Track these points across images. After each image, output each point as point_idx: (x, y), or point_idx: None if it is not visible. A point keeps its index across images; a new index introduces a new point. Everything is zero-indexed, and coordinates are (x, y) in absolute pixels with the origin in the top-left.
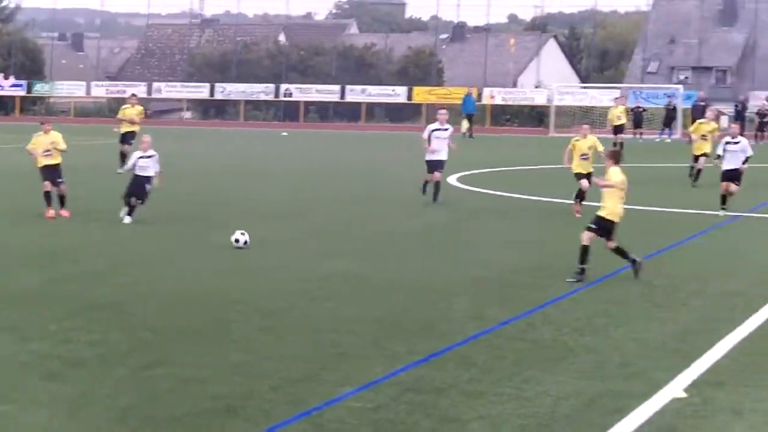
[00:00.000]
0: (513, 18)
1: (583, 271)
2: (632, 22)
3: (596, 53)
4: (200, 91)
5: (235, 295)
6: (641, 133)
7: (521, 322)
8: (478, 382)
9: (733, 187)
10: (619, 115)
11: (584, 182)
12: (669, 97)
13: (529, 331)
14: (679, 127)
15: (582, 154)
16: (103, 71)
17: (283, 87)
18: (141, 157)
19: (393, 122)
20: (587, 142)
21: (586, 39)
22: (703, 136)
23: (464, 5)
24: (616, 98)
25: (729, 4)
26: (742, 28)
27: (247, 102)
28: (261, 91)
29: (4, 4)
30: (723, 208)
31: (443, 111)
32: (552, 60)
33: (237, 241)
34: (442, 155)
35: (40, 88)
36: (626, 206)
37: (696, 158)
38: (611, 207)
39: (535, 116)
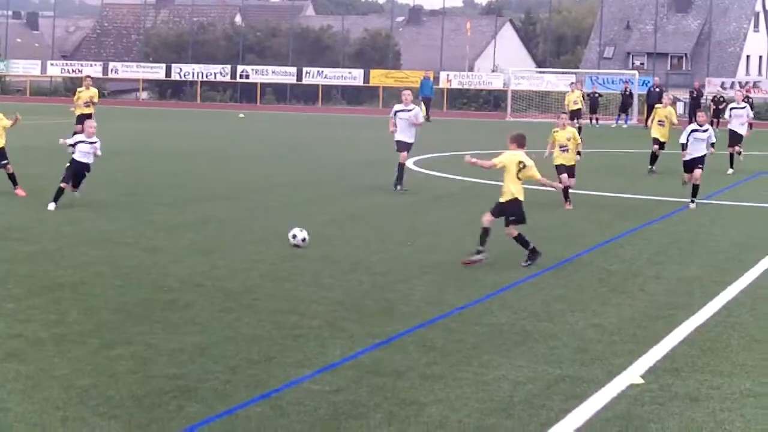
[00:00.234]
0: (469, 2)
1: (534, 252)
2: (588, 8)
3: (552, 38)
4: (156, 71)
5: (195, 276)
6: (597, 119)
7: (479, 306)
8: (437, 365)
9: (697, 172)
10: (575, 100)
11: (564, 178)
12: (625, 82)
13: (487, 316)
14: (635, 113)
15: (561, 146)
16: (59, 50)
17: (240, 68)
18: (83, 142)
19: (350, 105)
20: (566, 133)
21: (542, 24)
22: (660, 121)
23: None
24: (572, 83)
25: None
26: (697, 15)
27: (204, 83)
28: (218, 72)
29: None
30: (693, 200)
31: (407, 91)
32: (508, 44)
33: (294, 236)
34: (407, 136)
35: None
36: (585, 192)
37: (656, 141)
38: (504, 187)
39: (492, 100)
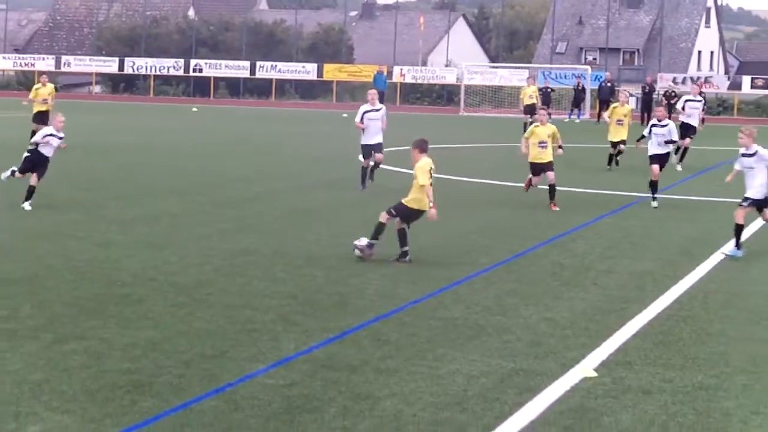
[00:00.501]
0: None
1: (404, 254)
2: (541, 3)
3: (505, 33)
4: (109, 65)
5: (148, 270)
6: (549, 113)
7: (433, 300)
8: (391, 359)
9: (655, 167)
10: (531, 95)
11: (550, 174)
12: (577, 77)
13: (440, 310)
14: (587, 108)
15: (540, 142)
16: (10, 44)
17: (193, 62)
18: (53, 135)
19: (304, 99)
20: (546, 129)
21: (495, 19)
22: (619, 120)
23: None
24: (528, 78)
25: None
26: (649, 10)
27: (157, 77)
28: (171, 66)
29: None
30: (654, 197)
31: (373, 91)
32: (461, 39)
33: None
34: (378, 137)
35: None
36: (538, 186)
37: (614, 145)
38: (412, 195)
39: (445, 95)
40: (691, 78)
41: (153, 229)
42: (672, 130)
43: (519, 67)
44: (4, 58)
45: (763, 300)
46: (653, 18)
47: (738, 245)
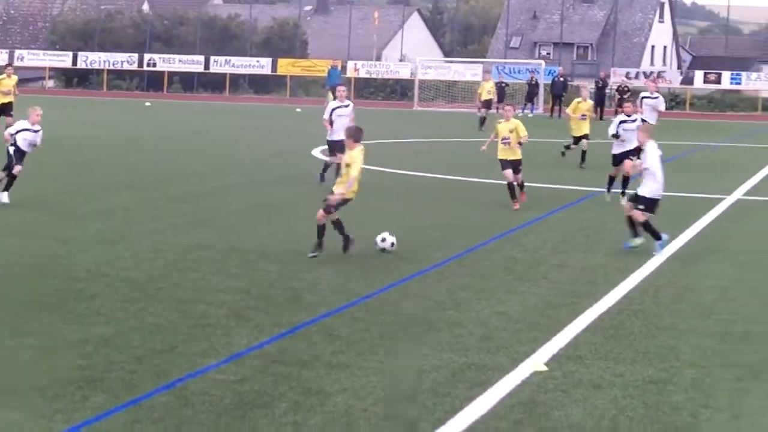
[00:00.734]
0: None
1: (347, 240)
2: None
3: (459, 28)
4: (63, 59)
5: (101, 266)
6: (513, 107)
7: (385, 295)
8: (343, 354)
9: (628, 162)
10: (489, 90)
11: (508, 173)
12: (531, 72)
13: (392, 305)
14: (541, 103)
15: (503, 138)
16: None
17: (147, 57)
18: (27, 130)
19: (258, 94)
20: (509, 125)
21: (450, 13)
22: (583, 115)
23: None
24: (486, 72)
25: None
26: (603, 5)
27: (110, 71)
28: (124, 60)
29: None
30: (623, 192)
31: (341, 87)
32: (416, 34)
33: (384, 240)
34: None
35: None
36: (490, 180)
37: (577, 140)
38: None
39: (399, 89)
40: (644, 73)
41: (107, 225)
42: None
43: (473, 62)
44: None
45: (713, 294)
46: (607, 13)
47: (658, 236)
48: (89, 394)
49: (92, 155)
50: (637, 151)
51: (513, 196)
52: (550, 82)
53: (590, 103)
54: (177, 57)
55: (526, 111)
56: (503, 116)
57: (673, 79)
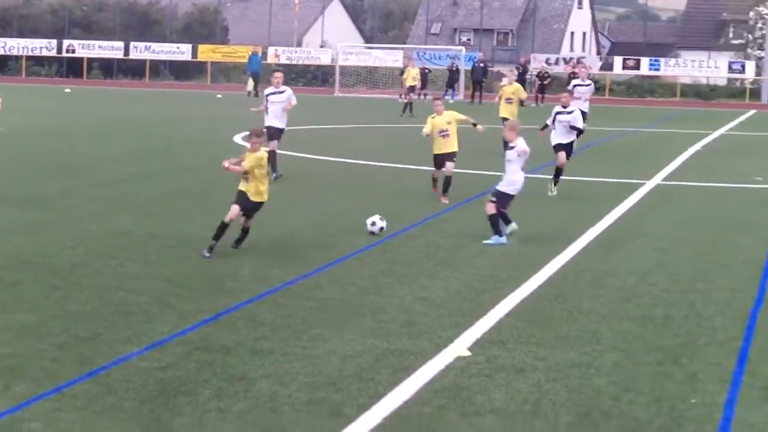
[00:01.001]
0: None
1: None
2: None
3: (380, 14)
4: None
5: (21, 253)
6: (425, 94)
7: (308, 281)
8: (266, 340)
9: (561, 155)
10: (414, 76)
11: (448, 164)
12: (452, 58)
13: (315, 290)
14: (461, 89)
15: (440, 131)
16: None
17: (66, 43)
18: None
19: (178, 80)
20: (444, 117)
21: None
22: (508, 99)
23: None
24: (412, 59)
25: None
26: None
27: (29, 57)
28: (43, 46)
29: None
30: (556, 183)
31: (278, 73)
32: (336, 20)
33: (374, 224)
34: (279, 121)
35: None
36: (412, 166)
37: (504, 121)
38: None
39: (320, 76)
40: (564, 59)
41: (27, 212)
42: (577, 117)
43: (394, 48)
44: None
45: (633, 278)
46: None
47: (500, 233)
48: (11, 383)
49: (11, 142)
50: (572, 144)
51: (445, 188)
52: (470, 68)
53: (517, 86)
54: (96, 43)
55: (447, 97)
56: (435, 111)
57: (593, 65)
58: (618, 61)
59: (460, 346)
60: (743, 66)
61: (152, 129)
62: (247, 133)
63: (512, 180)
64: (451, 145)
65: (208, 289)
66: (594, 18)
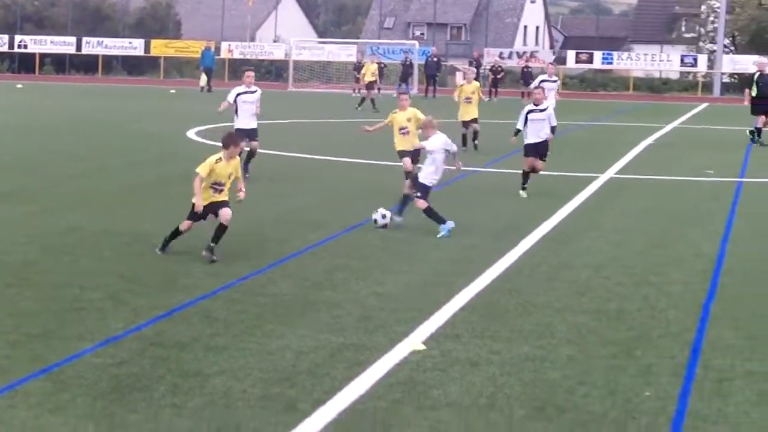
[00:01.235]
0: None
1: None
2: None
3: (333, 8)
4: None
5: None
6: (379, 88)
7: (262, 276)
8: (220, 336)
9: (540, 164)
10: (373, 72)
11: (407, 161)
12: (405, 53)
13: (269, 286)
14: (415, 83)
15: (400, 128)
16: None
17: (18, 38)
18: None
19: (131, 75)
20: (406, 114)
21: None
22: (467, 98)
23: None
24: (370, 55)
25: None
26: None
27: None
28: None
29: None
30: (524, 188)
31: (250, 72)
32: (289, 14)
33: (384, 216)
34: (253, 122)
35: None
36: (367, 161)
37: (466, 124)
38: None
39: (274, 70)
40: (517, 53)
41: None
42: (552, 115)
43: (347, 43)
44: None
45: (588, 272)
46: None
47: (443, 220)
48: None
49: None
50: (547, 148)
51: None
52: (424, 62)
53: (475, 84)
54: (48, 38)
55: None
56: (399, 106)
57: (546, 59)
58: (571, 55)
59: (415, 341)
60: (695, 59)
61: (106, 124)
62: (222, 135)
63: (428, 172)
64: (412, 142)
65: (162, 286)
66: (547, 12)
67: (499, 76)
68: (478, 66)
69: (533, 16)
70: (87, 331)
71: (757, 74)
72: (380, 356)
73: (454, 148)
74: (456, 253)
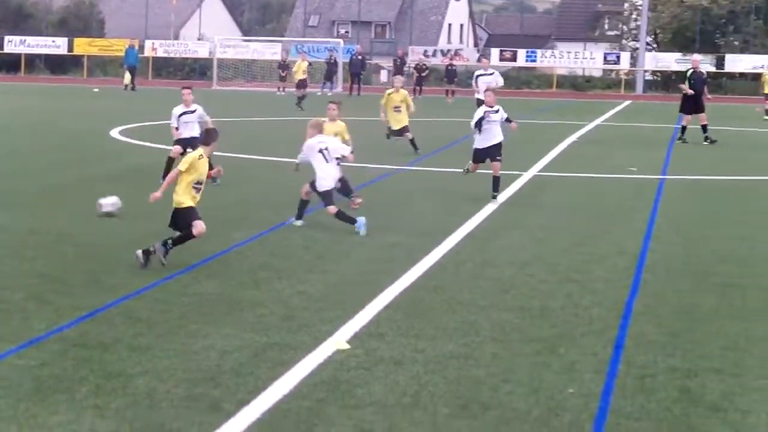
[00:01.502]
0: None
1: (146, 252)
2: None
3: (257, 6)
4: None
5: None
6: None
7: (186, 276)
8: (144, 336)
9: (496, 165)
10: (304, 70)
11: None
12: (330, 51)
13: (193, 285)
14: (340, 81)
15: (395, 107)
16: None
17: None
18: None
19: (54, 74)
20: (334, 128)
21: None
22: (396, 107)
23: None
24: (300, 53)
25: None
26: None
27: None
28: None
29: None
30: (495, 195)
31: (187, 91)
32: (214, 12)
33: (114, 204)
34: (195, 132)
35: None
36: (289, 160)
37: (398, 132)
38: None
39: (198, 69)
40: (442, 51)
41: None
42: (504, 115)
43: (272, 41)
44: None
45: (512, 269)
46: None
47: (354, 220)
48: None
49: None
50: (501, 148)
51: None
52: (348, 60)
53: (403, 93)
54: None
55: (325, 89)
56: (329, 117)
57: (470, 57)
58: (495, 52)
59: (339, 340)
60: (618, 57)
61: (29, 124)
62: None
63: (319, 177)
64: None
65: (86, 285)
66: (471, 10)
67: (423, 74)
68: (403, 64)
69: (457, 14)
70: (9, 332)
71: (690, 71)
72: (304, 355)
73: (325, 145)
74: (380, 252)
